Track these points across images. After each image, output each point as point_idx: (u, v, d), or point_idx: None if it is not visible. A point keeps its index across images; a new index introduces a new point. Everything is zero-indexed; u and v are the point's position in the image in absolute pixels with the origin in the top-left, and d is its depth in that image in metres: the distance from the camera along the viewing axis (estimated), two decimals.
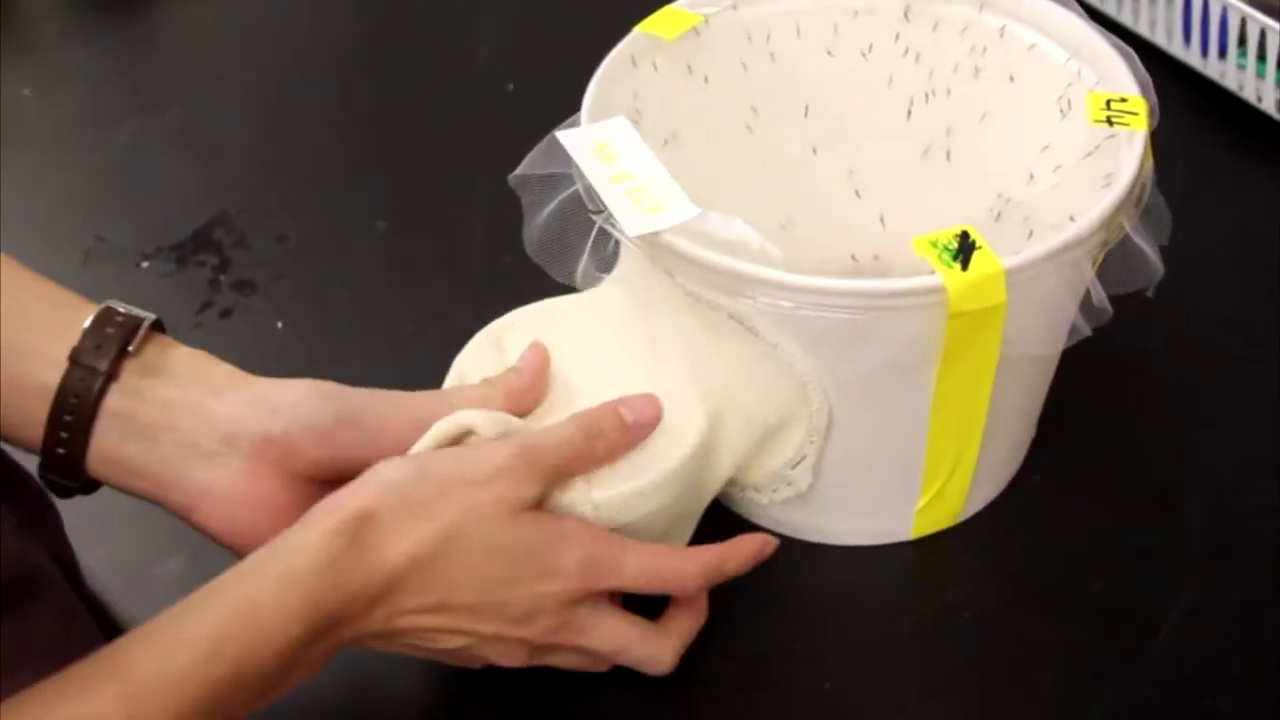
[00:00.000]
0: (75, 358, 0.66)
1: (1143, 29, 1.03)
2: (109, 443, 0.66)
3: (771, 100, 0.82)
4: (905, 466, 0.74)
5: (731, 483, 0.74)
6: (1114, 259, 0.69)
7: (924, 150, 0.82)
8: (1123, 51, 0.75)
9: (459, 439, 0.67)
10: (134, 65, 1.16)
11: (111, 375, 0.66)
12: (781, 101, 0.82)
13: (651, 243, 0.68)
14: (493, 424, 0.66)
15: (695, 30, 0.79)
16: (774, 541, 0.72)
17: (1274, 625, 0.73)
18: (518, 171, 0.73)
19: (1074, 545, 0.77)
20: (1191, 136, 0.98)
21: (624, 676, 0.70)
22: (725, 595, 0.72)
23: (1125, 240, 0.68)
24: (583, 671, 0.70)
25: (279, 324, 0.92)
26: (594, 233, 0.70)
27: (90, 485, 0.69)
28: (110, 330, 0.67)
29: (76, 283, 0.70)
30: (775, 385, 0.70)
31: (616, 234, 0.68)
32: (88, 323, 0.67)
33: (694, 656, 0.71)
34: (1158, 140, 0.71)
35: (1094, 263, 0.68)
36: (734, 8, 0.80)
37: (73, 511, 0.72)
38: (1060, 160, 0.74)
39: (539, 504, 0.66)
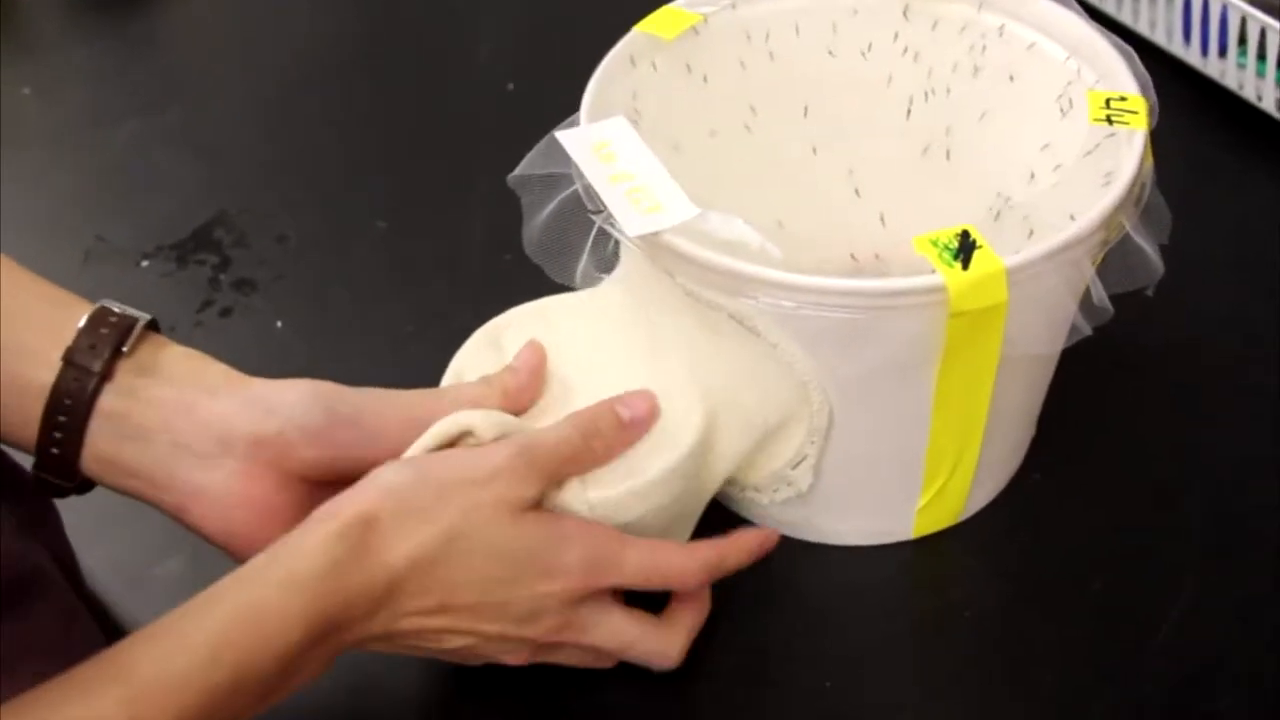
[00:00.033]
0: (69, 358, 0.66)
1: (1143, 28, 1.03)
2: (103, 443, 0.66)
3: (771, 99, 0.82)
4: (906, 466, 0.74)
5: (731, 483, 0.74)
6: (1114, 258, 0.69)
7: (923, 149, 0.82)
8: (1122, 50, 0.75)
9: (457, 440, 0.67)
10: (134, 65, 1.16)
11: (106, 375, 0.66)
12: (781, 101, 0.82)
13: (651, 243, 0.68)
14: (491, 425, 0.66)
15: (694, 30, 0.79)
16: (775, 535, 0.72)
17: (1274, 624, 0.73)
18: (517, 172, 0.73)
19: (1074, 544, 0.77)
20: (1191, 136, 0.98)
21: (624, 675, 0.70)
22: (726, 594, 0.72)
23: (1125, 239, 0.68)
24: (586, 668, 0.70)
25: (279, 323, 0.92)
26: (593, 233, 0.70)
27: (85, 485, 0.69)
28: (104, 330, 0.67)
29: (77, 282, 0.70)
30: (775, 385, 0.70)
31: (616, 234, 0.68)
32: (82, 322, 0.67)
33: (695, 655, 0.71)
34: (1158, 139, 0.71)
35: (1094, 262, 0.68)
36: (733, 7, 0.80)
37: (72, 511, 0.73)
38: (1060, 159, 0.74)
39: (538, 504, 0.66)
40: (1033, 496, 0.79)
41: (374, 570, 0.62)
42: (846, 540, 0.77)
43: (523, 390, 0.71)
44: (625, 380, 0.70)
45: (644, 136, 0.72)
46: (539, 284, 0.74)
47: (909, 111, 0.82)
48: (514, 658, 0.68)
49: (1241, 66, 0.98)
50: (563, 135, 0.72)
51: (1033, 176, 0.76)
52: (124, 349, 0.67)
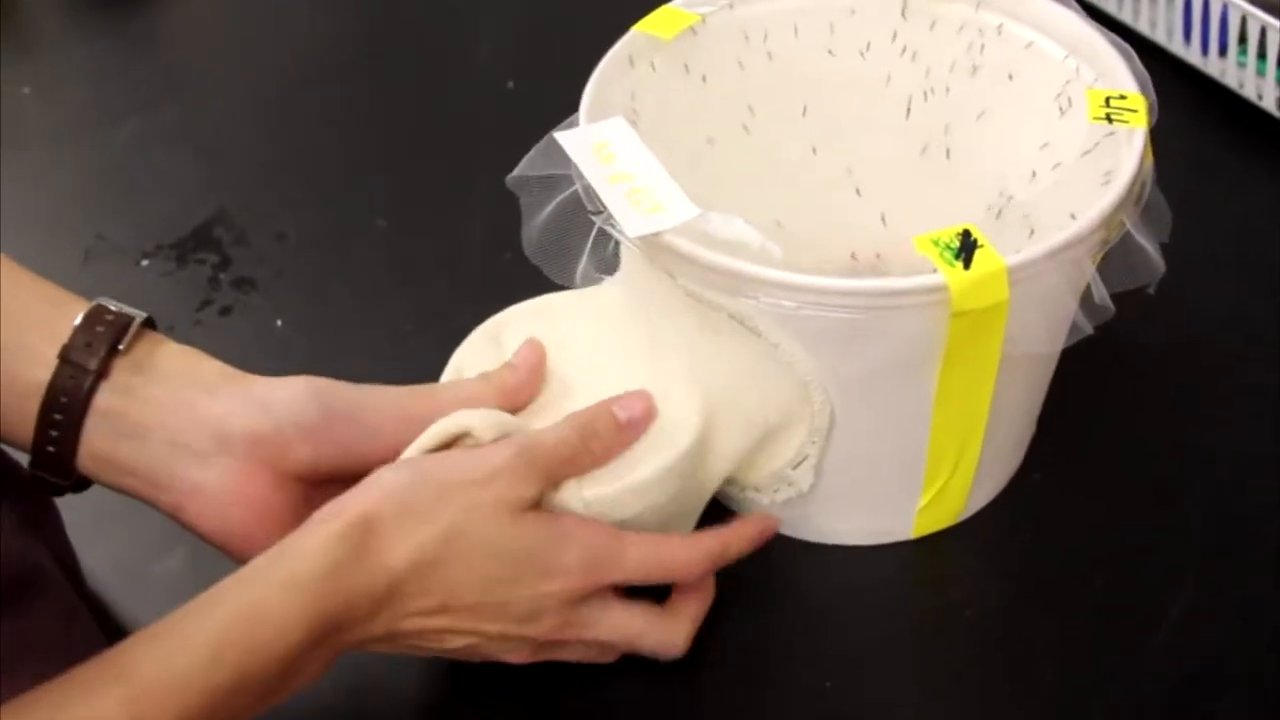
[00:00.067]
0: (65, 356, 0.66)
1: (1143, 27, 1.03)
2: (99, 441, 0.66)
3: (769, 99, 0.82)
4: (907, 466, 0.74)
5: (732, 483, 0.74)
6: (1115, 256, 0.69)
7: (923, 149, 0.82)
8: (1121, 49, 0.75)
9: (455, 440, 0.67)
10: (134, 64, 1.16)
11: (102, 374, 0.66)
12: (779, 101, 0.82)
13: (651, 243, 0.68)
14: (489, 425, 0.66)
15: (692, 30, 0.79)
16: (774, 521, 0.72)
17: (1274, 624, 0.73)
18: (516, 172, 0.73)
19: (1075, 543, 0.77)
20: (1192, 134, 0.98)
21: (624, 674, 0.71)
22: (727, 594, 0.72)
23: (1126, 238, 0.68)
24: (586, 666, 0.70)
25: (279, 321, 0.92)
26: (593, 234, 0.70)
27: (82, 484, 0.69)
28: (100, 329, 0.67)
29: (77, 281, 0.70)
30: (776, 386, 0.70)
31: (616, 234, 0.68)
32: (78, 320, 0.67)
33: (695, 654, 0.71)
34: (1158, 138, 0.71)
35: (1095, 260, 0.68)
36: (730, 7, 0.80)
37: (72, 510, 0.73)
38: (1060, 158, 0.74)
39: (537, 504, 0.66)
40: (1033, 496, 0.79)
41: (375, 572, 0.62)
42: (847, 540, 0.77)
43: (521, 387, 0.71)
44: (624, 380, 0.70)
45: (643, 137, 0.72)
46: (539, 283, 0.74)
47: (908, 111, 0.82)
48: (515, 656, 0.68)
49: (1242, 65, 0.98)
50: (562, 136, 0.72)
51: (1033, 175, 0.76)
52: (120, 347, 0.67)
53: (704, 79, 0.80)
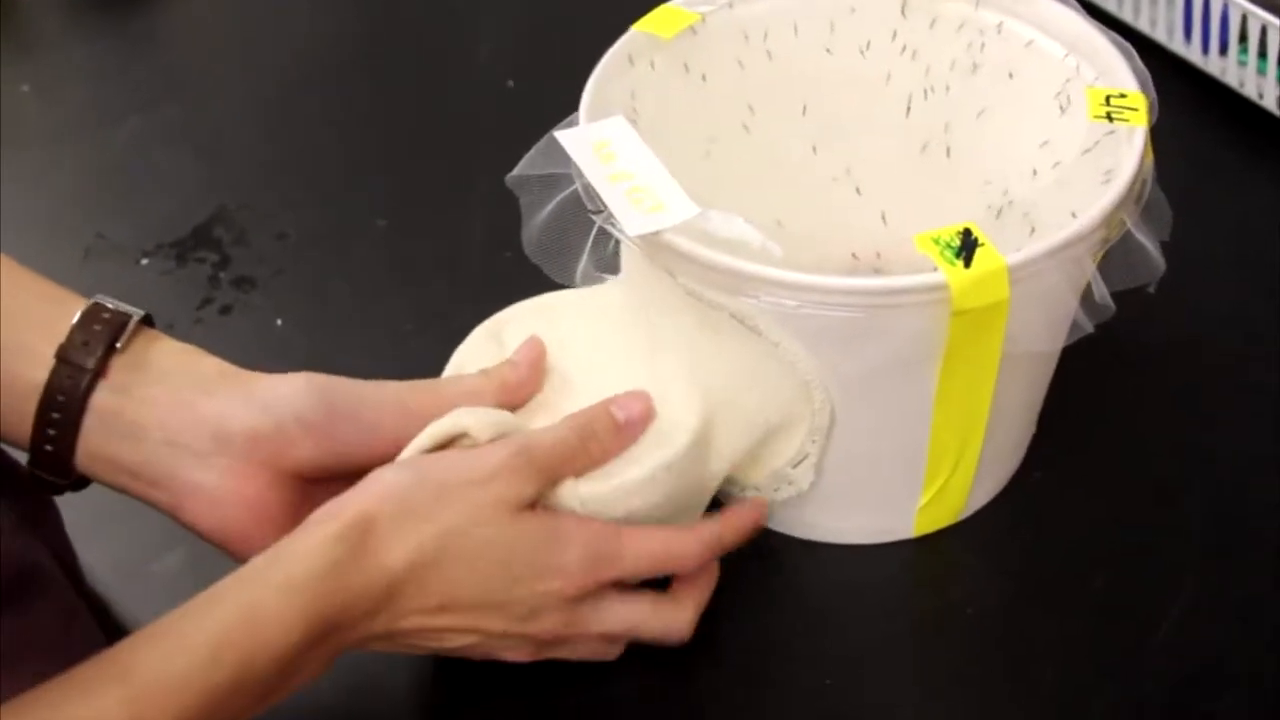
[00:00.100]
0: (62, 355, 0.66)
1: (1143, 25, 1.03)
2: (97, 440, 0.66)
3: (769, 98, 0.82)
4: (907, 464, 0.74)
5: (732, 482, 0.74)
6: (1115, 255, 0.69)
7: (923, 147, 0.82)
8: (1121, 47, 0.75)
9: (452, 440, 0.67)
10: (134, 63, 1.16)
11: (99, 373, 0.66)
12: (779, 100, 0.82)
13: (652, 242, 0.68)
14: (486, 425, 0.66)
15: (692, 29, 0.79)
16: (765, 503, 0.72)
17: (1274, 623, 0.73)
18: (515, 172, 0.73)
19: (1075, 542, 0.77)
20: (1192, 133, 0.98)
21: (623, 674, 0.71)
22: (727, 593, 0.72)
23: (1126, 236, 0.68)
24: (590, 662, 0.70)
25: (279, 320, 0.92)
26: (593, 233, 0.70)
27: (80, 482, 0.69)
28: (98, 327, 0.67)
29: (77, 280, 0.70)
30: (777, 384, 0.70)
31: (616, 234, 0.68)
32: (76, 319, 0.67)
33: (695, 654, 0.71)
34: (1158, 137, 0.71)
35: (1095, 259, 0.68)
36: (730, 6, 0.80)
37: (71, 508, 0.72)
38: (1060, 156, 0.74)
39: (535, 503, 0.66)
40: (1034, 494, 0.79)
41: (373, 572, 0.62)
42: (847, 539, 0.77)
43: (522, 384, 0.71)
44: (624, 379, 0.70)
45: (643, 136, 0.72)
46: (539, 283, 0.74)
47: (908, 109, 0.82)
48: (517, 655, 0.68)
49: (1242, 64, 0.98)
50: (562, 135, 0.72)
51: (1034, 174, 0.76)
52: (118, 345, 0.67)
53: (704, 78, 0.80)
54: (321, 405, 0.67)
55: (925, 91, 0.81)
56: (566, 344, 0.73)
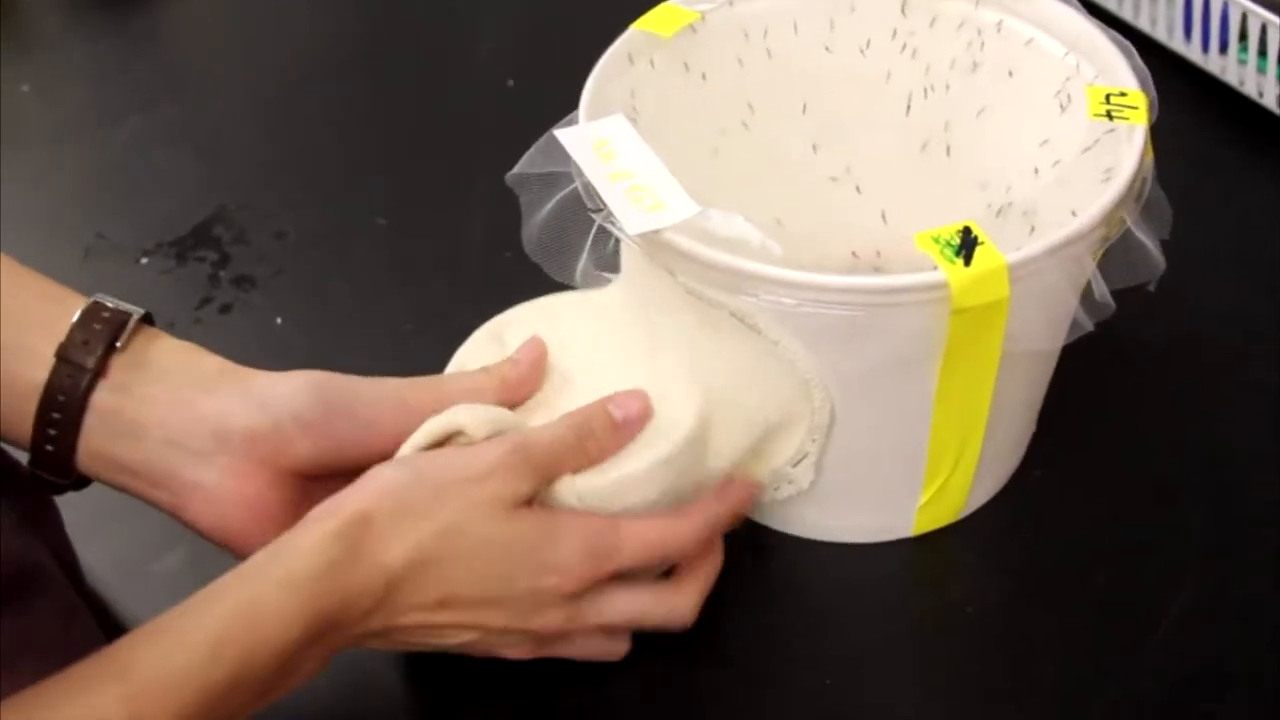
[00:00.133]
0: (62, 354, 0.66)
1: (1143, 24, 1.03)
2: (98, 440, 0.66)
3: (769, 97, 0.82)
4: (907, 463, 0.74)
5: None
6: (1115, 253, 0.69)
7: (923, 145, 0.82)
8: (1121, 45, 0.75)
9: (449, 437, 0.67)
10: (134, 63, 1.16)
11: (99, 372, 0.66)
12: (779, 98, 0.82)
13: (652, 241, 0.68)
14: (482, 423, 0.66)
15: (692, 27, 0.79)
16: (755, 484, 0.72)
17: (1274, 622, 0.73)
18: (515, 170, 0.73)
19: (1075, 540, 0.77)
20: (1192, 132, 0.98)
21: (623, 673, 0.71)
22: (726, 592, 0.72)
23: (1126, 234, 0.68)
24: (592, 661, 0.70)
25: (278, 319, 0.92)
26: (593, 231, 0.69)
27: (81, 482, 0.69)
28: (98, 326, 0.67)
29: (77, 279, 0.70)
30: (776, 383, 0.70)
31: (616, 232, 0.68)
32: (75, 318, 0.67)
33: (694, 653, 0.71)
34: (1158, 136, 0.71)
35: (1095, 257, 0.68)
36: (730, 4, 0.80)
37: (71, 508, 0.72)
38: (1060, 155, 0.74)
39: (532, 500, 0.66)
40: (1034, 493, 0.79)
41: (371, 570, 0.62)
42: (847, 537, 0.77)
43: (522, 381, 0.71)
44: (624, 378, 0.70)
45: (642, 134, 0.72)
46: (539, 282, 0.74)
47: (908, 108, 0.82)
48: (517, 651, 0.68)
49: (1242, 63, 0.98)
50: (561, 133, 0.72)
51: (1034, 172, 0.76)
52: (118, 344, 0.67)
53: (704, 76, 0.80)
54: (319, 404, 0.67)
55: (925, 90, 0.81)
56: (567, 344, 0.73)
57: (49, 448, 0.67)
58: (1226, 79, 0.99)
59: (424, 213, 0.99)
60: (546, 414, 0.70)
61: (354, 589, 0.62)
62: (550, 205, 0.71)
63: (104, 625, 0.69)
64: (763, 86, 0.82)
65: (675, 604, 0.69)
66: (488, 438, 0.66)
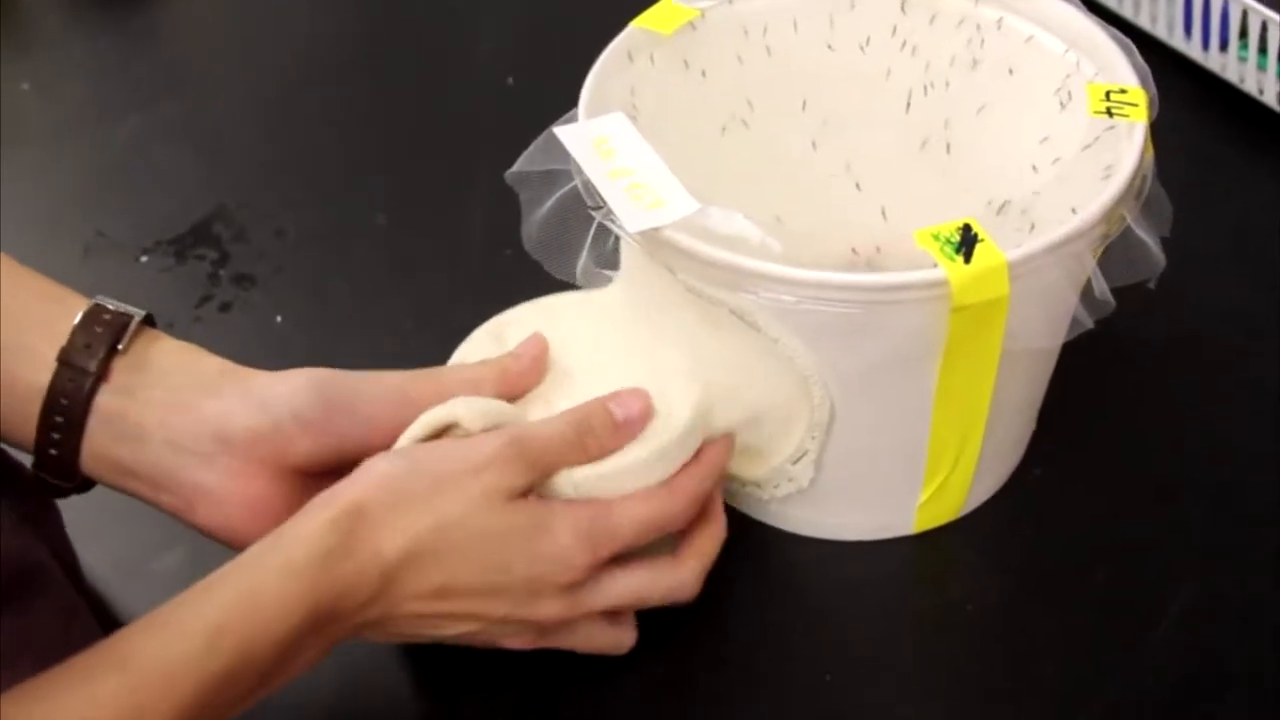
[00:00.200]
0: (64, 358, 0.66)
1: (1143, 21, 1.03)
2: (101, 443, 0.66)
3: (769, 94, 0.82)
4: (907, 461, 0.74)
5: (731, 478, 0.74)
6: (1115, 251, 0.69)
7: (922, 143, 0.82)
8: (1121, 43, 0.75)
9: (445, 429, 0.67)
10: (135, 61, 1.16)
11: (101, 376, 0.66)
12: (779, 95, 0.82)
13: (651, 238, 0.68)
14: (478, 416, 0.66)
15: (691, 25, 0.79)
16: (730, 442, 0.72)
17: (1274, 620, 0.73)
18: (515, 168, 0.72)
19: (1075, 538, 0.76)
20: (1192, 130, 0.98)
21: (623, 672, 0.70)
22: (726, 590, 0.72)
23: (1127, 232, 0.68)
24: (598, 655, 0.70)
25: (278, 317, 0.92)
26: (593, 229, 0.69)
27: (85, 484, 0.69)
28: (99, 329, 0.67)
29: (76, 277, 0.70)
30: (776, 381, 0.70)
31: (616, 230, 0.68)
32: (77, 320, 0.67)
33: (694, 651, 0.71)
34: (1159, 133, 0.71)
35: (1095, 255, 0.68)
36: (730, 2, 0.80)
37: (71, 507, 0.72)
38: (1060, 152, 0.74)
39: (529, 493, 0.66)
40: (1034, 490, 0.79)
41: (366, 560, 0.62)
42: (847, 535, 0.77)
43: (523, 375, 0.71)
44: (624, 375, 0.70)
45: (642, 132, 0.72)
46: (539, 280, 0.74)
47: (908, 105, 0.82)
48: (518, 641, 0.68)
49: (1243, 60, 0.98)
50: (561, 131, 0.72)
51: (1034, 170, 0.76)
52: (119, 347, 0.67)
53: (703, 74, 0.80)
54: (319, 402, 0.67)
55: (925, 87, 0.81)
56: (567, 342, 0.73)
57: (53, 451, 0.67)
58: (1227, 76, 0.99)
59: (424, 211, 0.99)
60: (545, 409, 0.70)
61: (350, 578, 0.62)
62: (550, 203, 0.71)
63: (104, 625, 0.69)
64: (762, 84, 0.81)
65: (676, 577, 0.69)
66: (484, 430, 0.66)
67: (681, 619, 0.72)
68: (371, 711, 0.72)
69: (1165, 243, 0.70)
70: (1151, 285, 0.70)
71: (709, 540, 0.70)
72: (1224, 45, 0.99)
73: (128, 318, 0.67)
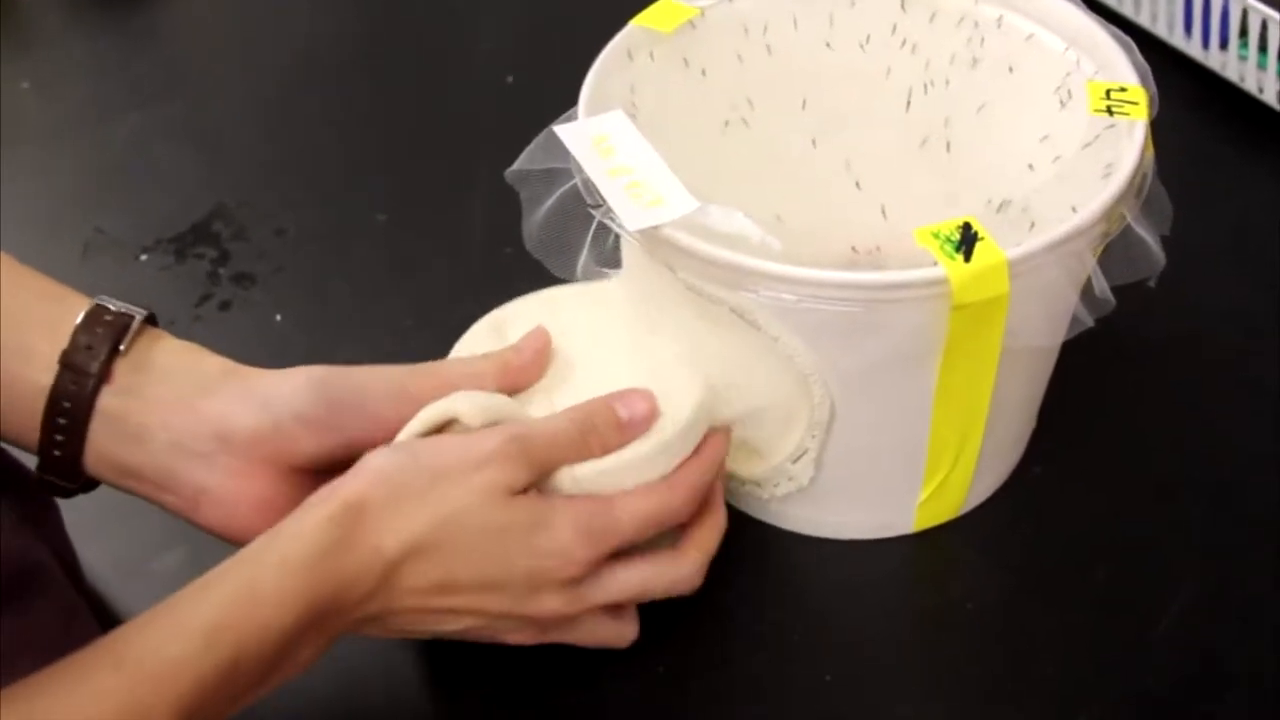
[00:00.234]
0: (66, 360, 0.66)
1: (1143, 20, 1.03)
2: (104, 444, 0.66)
3: (769, 93, 0.82)
4: (907, 459, 0.74)
5: (731, 477, 0.74)
6: (1115, 249, 0.69)
7: (922, 141, 0.82)
8: (1121, 41, 0.75)
9: (445, 424, 0.67)
10: (135, 60, 1.16)
11: (103, 377, 0.66)
12: (779, 94, 0.82)
13: (651, 237, 0.68)
14: (478, 411, 0.66)
15: (691, 23, 0.79)
16: (728, 434, 0.72)
17: (1274, 619, 0.73)
18: (515, 166, 0.72)
19: (1075, 536, 0.76)
20: (1192, 128, 0.98)
21: (621, 672, 0.70)
22: (726, 589, 0.72)
23: (1127, 230, 0.68)
24: (593, 653, 0.70)
25: (278, 316, 0.92)
26: (593, 227, 0.69)
27: (90, 484, 0.69)
28: (100, 330, 0.67)
29: (76, 275, 0.70)
30: (776, 379, 0.70)
31: (616, 228, 0.68)
32: (78, 320, 0.67)
33: (694, 651, 0.71)
34: (1159, 132, 0.71)
35: (1095, 253, 0.68)
36: (730, 0, 0.80)
37: (71, 507, 0.72)
38: (1060, 150, 0.74)
39: (528, 490, 0.66)
40: (1034, 489, 0.79)
41: (366, 555, 0.62)
42: (847, 534, 0.77)
43: (524, 368, 0.71)
44: (624, 369, 0.70)
45: (642, 130, 0.72)
46: (539, 279, 0.74)
47: (908, 104, 0.82)
48: (519, 637, 0.68)
49: (1243, 59, 0.97)
50: (561, 129, 0.72)
51: (1032, 168, 0.76)
52: (121, 348, 0.67)
53: (703, 72, 0.80)
54: (322, 401, 0.67)
55: (925, 86, 0.81)
56: (568, 334, 0.73)
57: (56, 453, 0.67)
58: (1227, 75, 0.99)
59: (424, 210, 0.99)
60: (545, 402, 0.70)
61: (349, 573, 0.62)
62: (550, 201, 0.71)
63: (104, 624, 0.69)
64: (762, 82, 0.81)
65: (677, 569, 0.69)
66: (484, 426, 0.66)
67: (681, 618, 0.72)
68: (370, 708, 0.72)
69: (1165, 241, 0.70)
70: (1151, 284, 0.70)
71: (710, 532, 0.70)
72: (1224, 44, 0.99)
73: (129, 318, 0.67)
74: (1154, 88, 0.73)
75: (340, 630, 0.63)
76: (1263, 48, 0.95)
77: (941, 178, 0.81)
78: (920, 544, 0.77)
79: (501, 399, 0.69)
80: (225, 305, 0.93)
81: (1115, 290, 0.68)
